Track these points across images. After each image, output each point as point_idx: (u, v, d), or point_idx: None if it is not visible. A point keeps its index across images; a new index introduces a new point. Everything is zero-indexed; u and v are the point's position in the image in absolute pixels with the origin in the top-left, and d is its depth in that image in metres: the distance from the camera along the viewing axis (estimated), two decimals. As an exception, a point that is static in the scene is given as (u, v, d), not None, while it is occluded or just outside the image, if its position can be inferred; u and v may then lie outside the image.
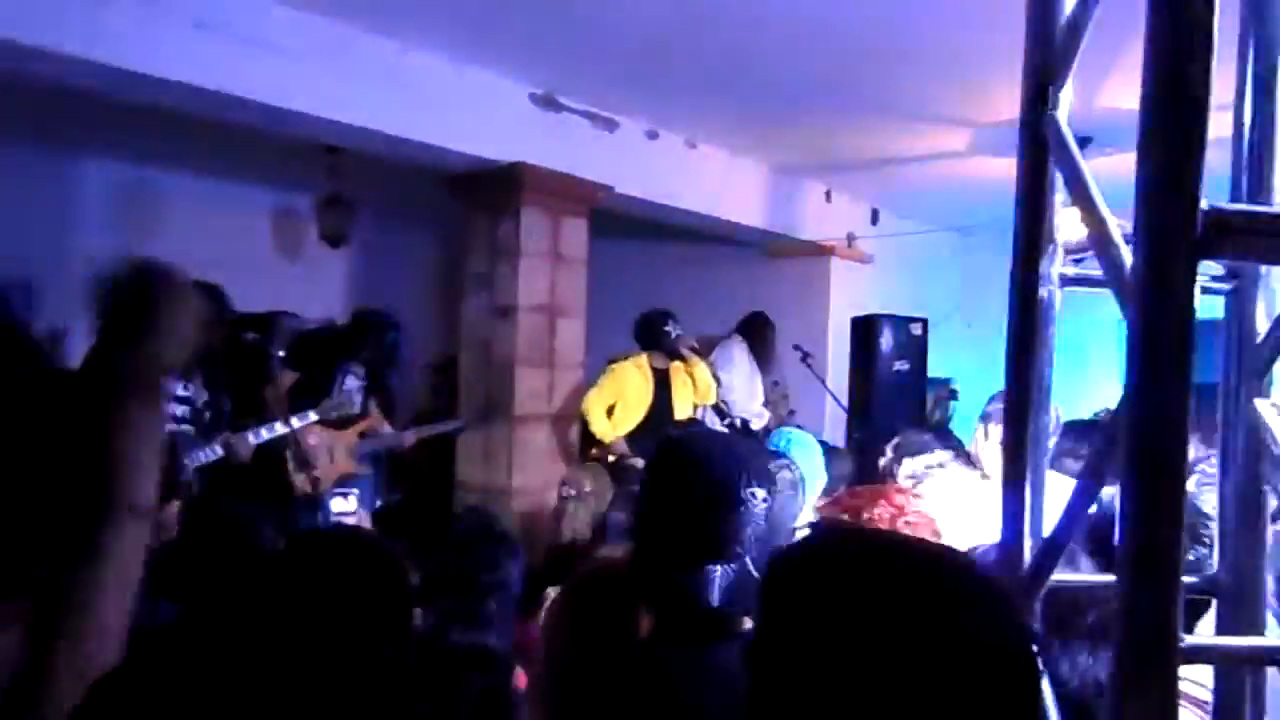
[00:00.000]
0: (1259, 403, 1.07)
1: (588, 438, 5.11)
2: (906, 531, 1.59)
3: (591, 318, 5.31)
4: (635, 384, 5.06)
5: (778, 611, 0.84)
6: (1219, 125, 0.98)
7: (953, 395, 7.08)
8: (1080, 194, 0.98)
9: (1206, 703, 1.14)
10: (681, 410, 5.13)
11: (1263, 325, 1.10)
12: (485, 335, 4.98)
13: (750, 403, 5.59)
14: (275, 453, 3.92)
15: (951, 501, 2.00)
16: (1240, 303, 1.10)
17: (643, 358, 5.22)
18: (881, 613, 0.78)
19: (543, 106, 4.90)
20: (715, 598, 1.28)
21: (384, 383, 4.74)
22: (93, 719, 0.69)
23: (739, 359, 5.67)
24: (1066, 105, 1.09)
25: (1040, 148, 1.08)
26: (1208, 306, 1.08)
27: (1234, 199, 1.08)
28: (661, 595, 1.34)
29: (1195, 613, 1.24)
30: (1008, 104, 2.11)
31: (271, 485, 3.77)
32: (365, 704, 0.72)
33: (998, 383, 1.46)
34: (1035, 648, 0.84)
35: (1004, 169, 1.30)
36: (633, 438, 4.86)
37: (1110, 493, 0.95)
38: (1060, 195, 1.10)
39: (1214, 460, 1.21)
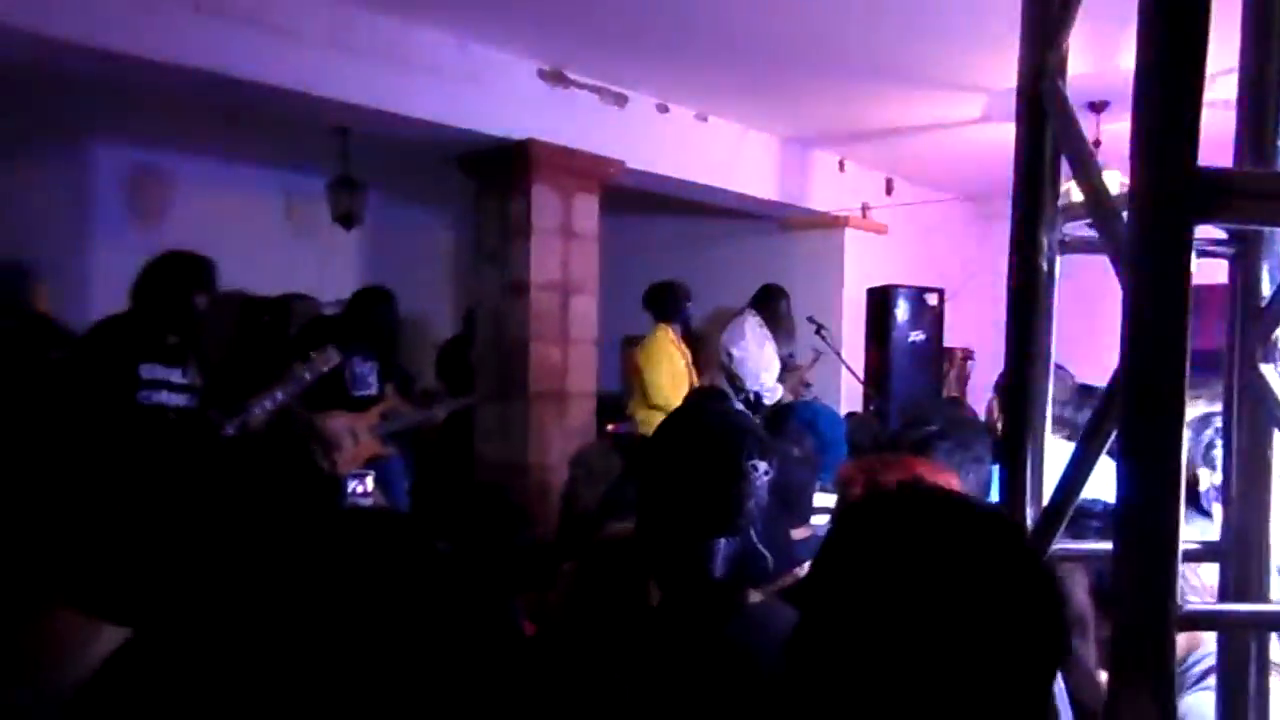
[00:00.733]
0: (1264, 368, 1.06)
1: (607, 411, 5.16)
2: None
3: (604, 294, 5.31)
4: (676, 357, 5.12)
5: (832, 557, 0.87)
6: (1223, 88, 0.97)
7: (969, 357, 7.05)
8: (1077, 160, 0.98)
9: None
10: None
11: (1268, 289, 1.09)
12: (499, 313, 4.99)
13: (763, 376, 5.58)
14: (298, 439, 3.95)
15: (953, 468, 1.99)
16: (1244, 267, 1.09)
17: (668, 331, 5.24)
18: (922, 554, 0.82)
19: (551, 82, 4.88)
20: (719, 570, 1.28)
21: (393, 362, 4.74)
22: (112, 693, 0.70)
23: (750, 333, 5.65)
24: (1065, 72, 1.07)
25: (1039, 115, 1.07)
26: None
27: (1236, 161, 1.07)
28: (666, 568, 1.35)
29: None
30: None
31: (295, 470, 3.79)
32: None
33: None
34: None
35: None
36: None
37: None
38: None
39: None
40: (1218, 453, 1.64)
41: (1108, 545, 0.90)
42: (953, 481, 1.66)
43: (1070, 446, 1.45)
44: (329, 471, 4.01)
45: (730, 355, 5.58)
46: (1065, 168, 1.09)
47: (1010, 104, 1.17)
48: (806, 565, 2.01)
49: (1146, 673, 0.84)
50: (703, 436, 1.33)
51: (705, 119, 5.71)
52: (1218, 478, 1.66)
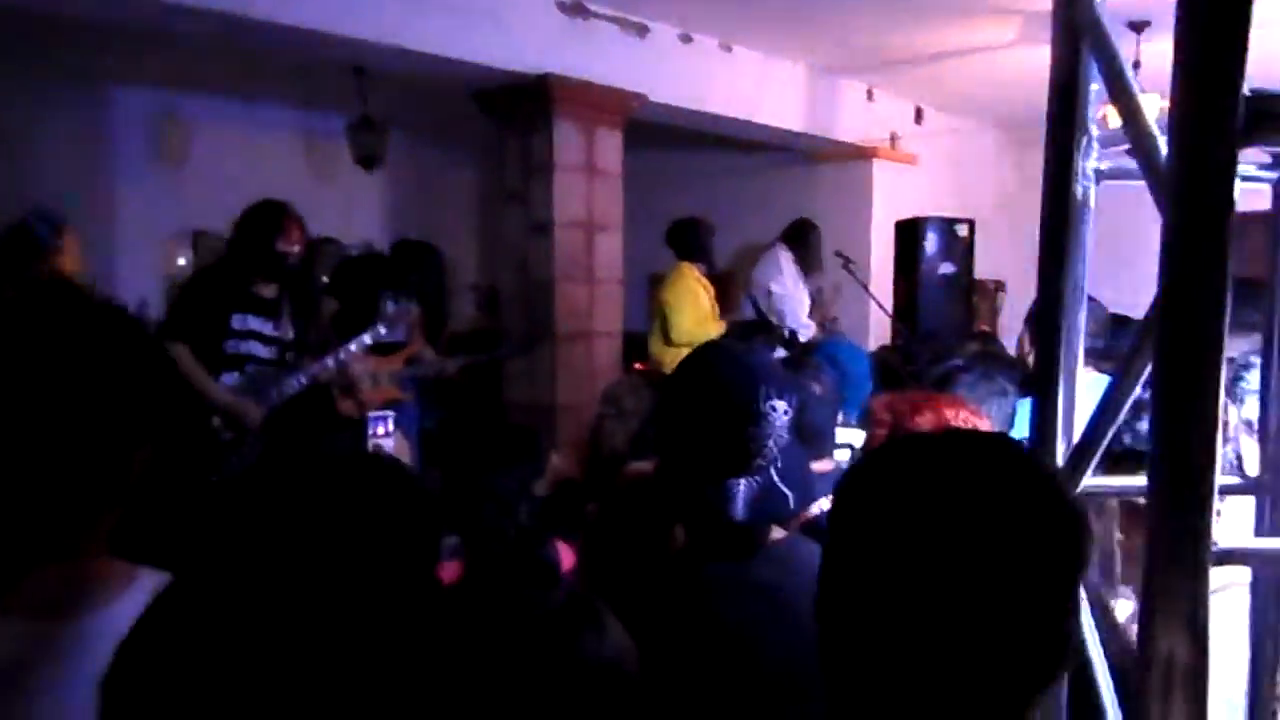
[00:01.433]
0: (1306, 298, 1.03)
1: (634, 350, 5.14)
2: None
3: (629, 231, 5.27)
4: (701, 295, 5.09)
5: (850, 498, 0.87)
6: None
7: (1000, 289, 6.96)
8: (1116, 84, 0.94)
9: None
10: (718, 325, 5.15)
11: (1313, 216, 1.05)
12: (523, 253, 4.96)
13: (800, 312, 5.53)
14: (320, 381, 3.99)
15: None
16: (1289, 193, 1.05)
17: (692, 269, 5.19)
18: (937, 492, 0.80)
19: (570, 14, 4.77)
20: (740, 511, 1.28)
21: (426, 308, 4.73)
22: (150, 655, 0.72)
23: (787, 267, 5.57)
24: (1103, -12, 1.02)
25: (1074, 36, 1.02)
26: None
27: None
28: (687, 509, 1.34)
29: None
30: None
31: (318, 412, 3.83)
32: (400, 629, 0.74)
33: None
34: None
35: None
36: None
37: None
38: (1097, 85, 1.05)
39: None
40: (1246, 385, 1.60)
41: (1141, 481, 0.89)
42: (977, 417, 1.63)
43: (1102, 379, 1.43)
44: (345, 413, 4.04)
45: (770, 292, 5.51)
46: (1102, 92, 1.05)
47: (1046, 26, 1.12)
48: (828, 499, 2.01)
49: (1180, 608, 0.83)
50: (718, 378, 1.32)
51: (729, 49, 5.58)
52: (1248, 412, 1.63)
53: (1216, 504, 1.29)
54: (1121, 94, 0.91)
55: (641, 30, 5.09)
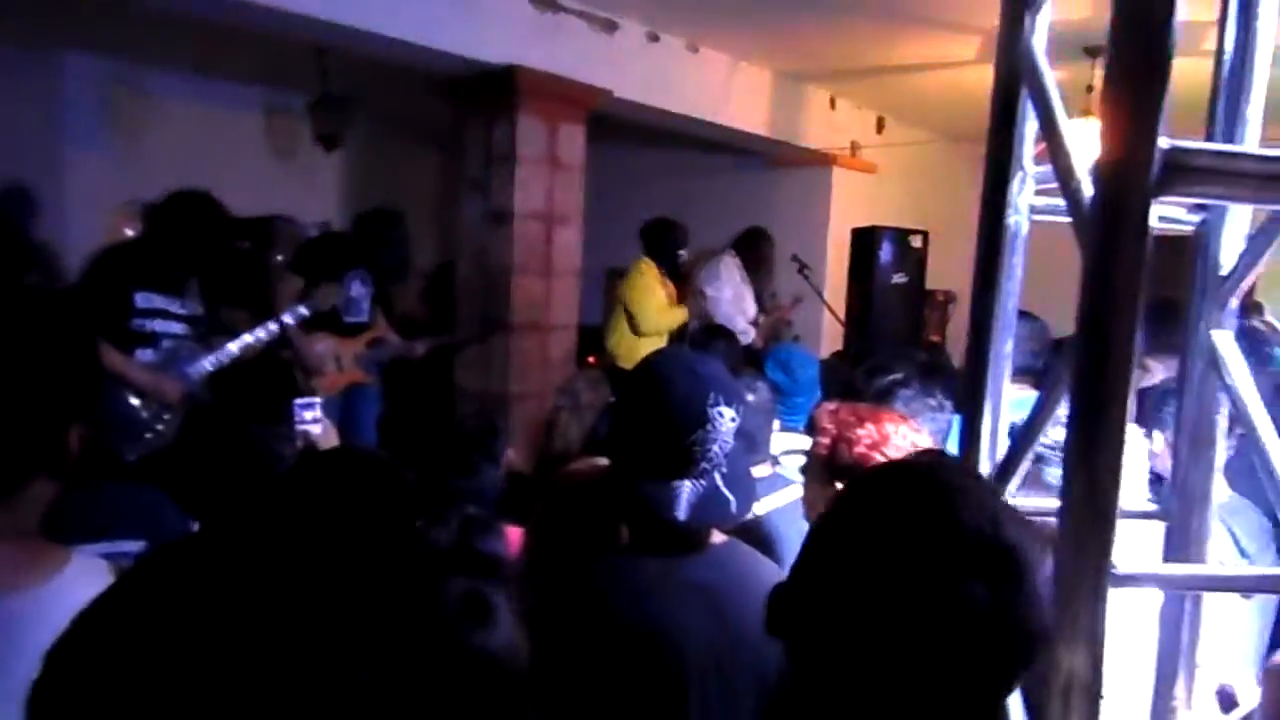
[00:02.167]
0: (1216, 334, 1.09)
1: (588, 345, 5.17)
2: (882, 459, 1.62)
3: (587, 225, 5.28)
4: (659, 290, 5.14)
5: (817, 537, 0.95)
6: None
7: (950, 300, 7.09)
8: (1047, 123, 0.98)
9: None
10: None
11: (1228, 258, 1.11)
12: (481, 242, 4.96)
13: (737, 318, 5.60)
14: (281, 362, 3.94)
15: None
16: (1207, 235, 1.11)
17: (652, 265, 5.23)
18: (893, 511, 0.89)
19: (540, 7, 4.78)
20: (683, 513, 1.32)
21: (387, 289, 4.69)
22: (97, 633, 0.70)
23: (726, 275, 5.65)
24: (1044, 30, 1.07)
25: (1014, 73, 1.07)
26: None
27: (1209, 134, 1.08)
28: (632, 508, 1.38)
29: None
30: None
31: (280, 393, 3.80)
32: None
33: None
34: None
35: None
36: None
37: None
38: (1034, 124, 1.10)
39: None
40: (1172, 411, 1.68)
41: (1055, 503, 0.94)
42: (916, 432, 1.69)
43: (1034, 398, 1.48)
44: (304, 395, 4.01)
45: (704, 294, 5.59)
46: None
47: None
48: (764, 500, 2.06)
49: (1081, 628, 0.88)
50: (669, 383, 1.36)
51: (696, 49, 5.62)
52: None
53: (1139, 527, 1.35)
54: (1052, 135, 0.96)
55: (610, 26, 5.11)
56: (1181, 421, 1.16)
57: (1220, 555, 1.75)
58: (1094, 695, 0.87)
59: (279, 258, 5.31)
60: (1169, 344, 1.49)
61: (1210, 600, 1.11)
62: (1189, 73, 0.99)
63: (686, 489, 1.32)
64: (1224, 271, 1.11)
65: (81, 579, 0.91)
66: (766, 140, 6.29)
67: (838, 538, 0.92)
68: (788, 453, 2.39)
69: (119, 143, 5.86)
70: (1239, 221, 1.10)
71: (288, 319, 3.66)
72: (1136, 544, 1.09)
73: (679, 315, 5.21)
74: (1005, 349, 1.14)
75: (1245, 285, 1.10)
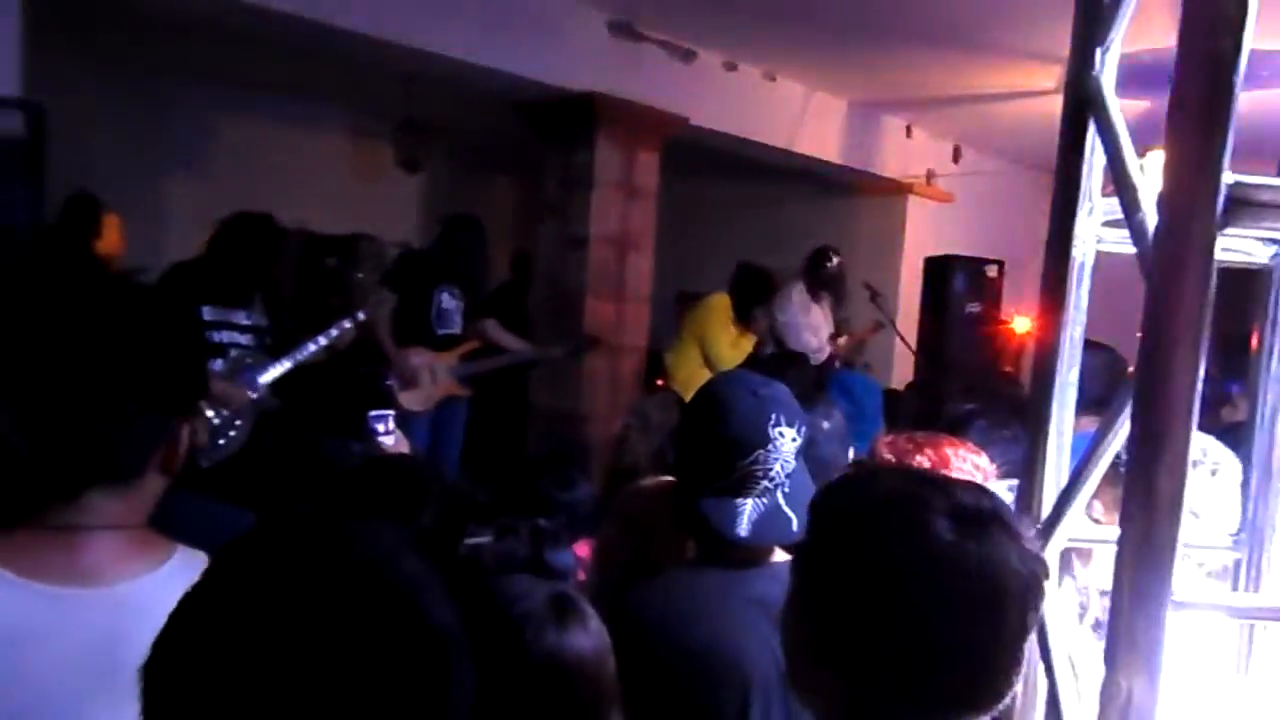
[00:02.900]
0: (1289, 368, 1.08)
1: (655, 369, 5.20)
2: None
3: (661, 252, 5.35)
4: (731, 326, 5.11)
5: (816, 534, 1.00)
6: None
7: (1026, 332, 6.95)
8: (1114, 158, 1.00)
9: None
10: None
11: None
12: (556, 265, 5.05)
13: (808, 339, 5.57)
14: (365, 374, 4.06)
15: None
16: (1278, 269, 1.11)
17: (728, 305, 5.15)
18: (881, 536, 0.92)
19: (620, 35, 4.88)
20: (744, 530, 1.35)
21: (479, 298, 4.64)
22: (196, 621, 0.76)
23: (799, 299, 5.63)
24: (1113, 65, 1.09)
25: (1082, 108, 1.09)
26: None
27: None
28: (696, 525, 1.41)
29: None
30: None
31: (358, 404, 3.90)
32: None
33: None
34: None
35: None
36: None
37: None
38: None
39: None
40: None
41: (1114, 530, 0.95)
42: (978, 455, 1.69)
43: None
44: (407, 406, 4.11)
45: (776, 319, 5.58)
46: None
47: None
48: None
49: (1140, 652, 0.89)
50: (732, 404, 1.39)
51: (773, 78, 5.66)
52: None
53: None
54: (1119, 168, 0.97)
55: (689, 55, 5.18)
56: (1252, 453, 1.15)
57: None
58: (1148, 718, 0.88)
59: (359, 275, 5.48)
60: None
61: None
62: (1262, 101, 0.99)
63: (748, 507, 1.35)
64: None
65: (184, 571, 0.97)
66: (841, 168, 6.29)
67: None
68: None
69: (214, 164, 6.12)
70: (1312, 255, 1.10)
71: (334, 330, 3.77)
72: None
73: (747, 347, 5.19)
74: (1070, 379, 1.15)
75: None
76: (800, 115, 5.87)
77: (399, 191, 6.71)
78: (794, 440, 1.37)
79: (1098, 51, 1.08)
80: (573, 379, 5.00)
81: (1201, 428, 0.96)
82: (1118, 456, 1.01)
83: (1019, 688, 0.98)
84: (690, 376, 5.10)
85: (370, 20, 3.97)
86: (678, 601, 1.39)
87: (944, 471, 1.70)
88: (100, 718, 0.95)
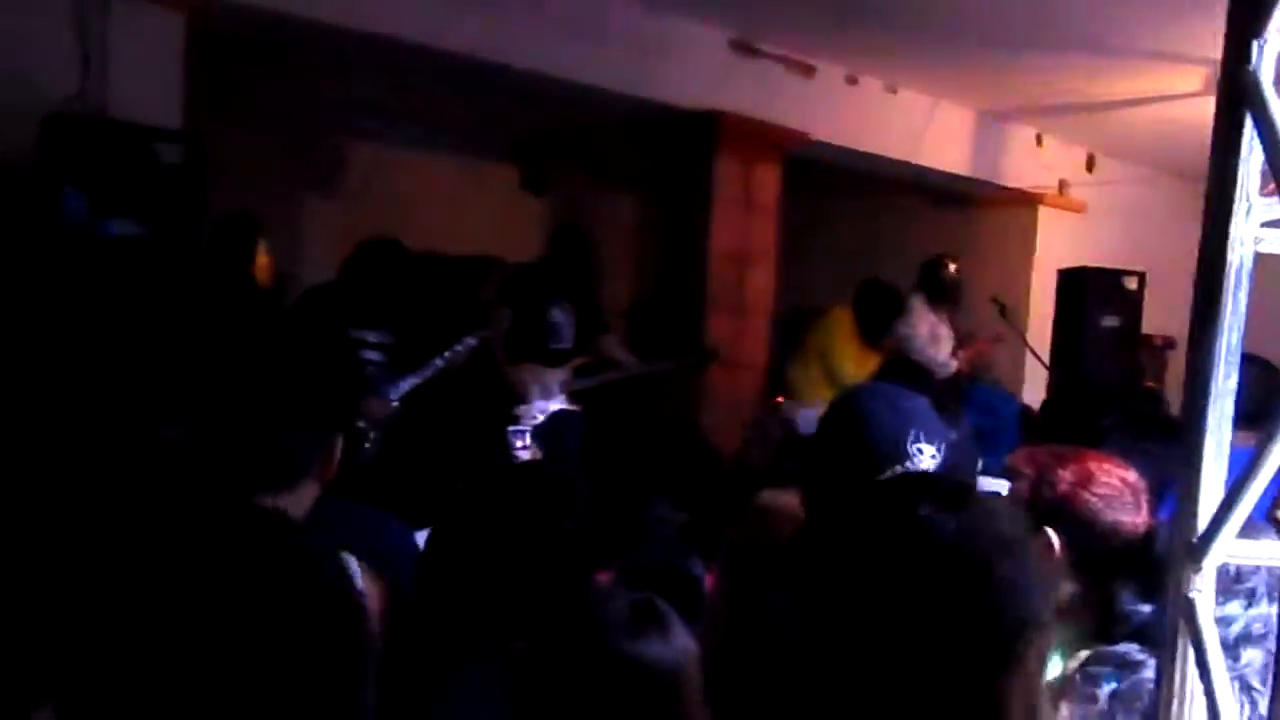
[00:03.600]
0: None
1: (775, 384, 5.16)
2: (1088, 498, 1.55)
3: (782, 268, 5.31)
4: (856, 340, 5.05)
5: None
6: None
7: (1169, 345, 6.60)
8: (1274, 154, 0.95)
9: None
10: None
11: None
12: (676, 281, 5.08)
13: (931, 351, 5.41)
14: (503, 387, 4.19)
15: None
16: None
17: (851, 320, 5.09)
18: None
19: (740, 53, 4.89)
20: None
21: (594, 310, 4.69)
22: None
23: (916, 309, 5.48)
24: (1271, 59, 1.03)
25: (1237, 103, 1.03)
26: None
27: None
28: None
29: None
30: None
31: (498, 419, 4.02)
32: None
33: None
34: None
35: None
36: None
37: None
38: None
39: None
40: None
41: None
42: (1124, 469, 1.61)
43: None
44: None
45: (897, 332, 5.46)
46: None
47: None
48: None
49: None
50: (868, 419, 1.36)
51: (895, 91, 5.57)
52: None
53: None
54: (1278, 164, 0.92)
55: (808, 71, 5.15)
56: None
57: None
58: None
59: (482, 295, 5.61)
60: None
61: None
62: None
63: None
64: None
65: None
66: (969, 180, 6.13)
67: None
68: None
69: (350, 187, 6.40)
70: None
71: (459, 347, 3.93)
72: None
73: (872, 364, 5.09)
74: (1228, 387, 1.09)
75: None
76: (924, 127, 5.75)
77: (524, 212, 6.87)
78: (932, 458, 1.33)
79: (1254, 44, 1.03)
80: (692, 393, 5.01)
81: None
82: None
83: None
84: (813, 394, 5.03)
85: (497, 47, 4.10)
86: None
87: (1088, 487, 1.63)
88: None
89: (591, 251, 4.69)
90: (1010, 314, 5.66)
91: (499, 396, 3.95)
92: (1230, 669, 1.17)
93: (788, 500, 1.78)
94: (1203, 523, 1.10)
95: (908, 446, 1.32)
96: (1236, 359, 1.10)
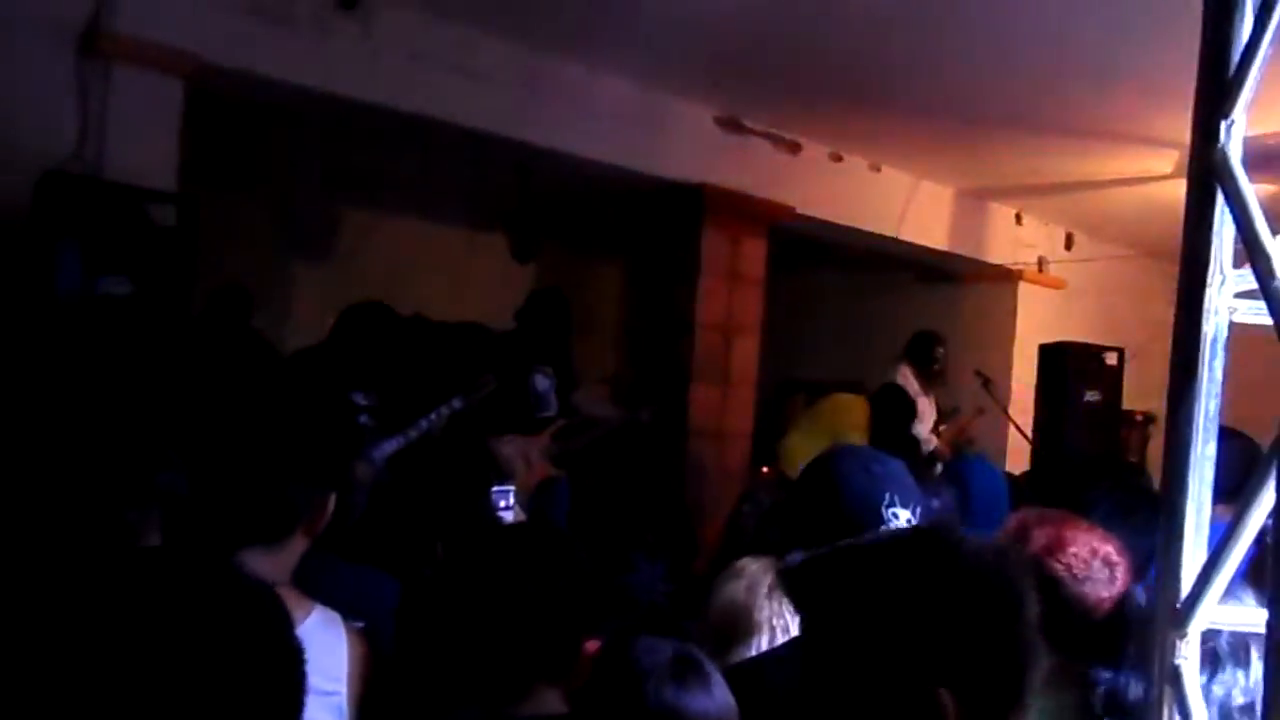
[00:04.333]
0: None
1: (761, 454, 5.15)
2: (1054, 564, 1.55)
3: (767, 339, 5.36)
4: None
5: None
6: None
7: (1149, 421, 6.65)
8: (1247, 230, 0.98)
9: None
10: None
11: None
12: (662, 351, 5.12)
13: (915, 425, 5.44)
14: (485, 451, 4.16)
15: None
16: None
17: (865, 410, 5.09)
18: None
19: (727, 129, 5.00)
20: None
21: (570, 371, 4.72)
22: None
23: (904, 385, 5.52)
24: (1239, 137, 1.08)
25: (1208, 179, 1.07)
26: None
27: None
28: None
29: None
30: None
31: (481, 480, 3.98)
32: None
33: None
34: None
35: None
36: None
37: None
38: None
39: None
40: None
41: (1262, 613, 0.90)
42: (1103, 541, 1.62)
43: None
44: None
45: None
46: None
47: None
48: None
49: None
50: (844, 482, 1.38)
51: (878, 169, 5.70)
52: None
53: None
54: (1250, 235, 0.96)
55: (794, 147, 5.28)
56: None
57: None
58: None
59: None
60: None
61: None
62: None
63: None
64: None
65: (322, 627, 1.01)
66: (950, 256, 6.24)
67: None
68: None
69: (339, 253, 6.43)
70: None
71: (444, 410, 3.91)
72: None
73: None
74: (1207, 454, 1.11)
75: None
76: (906, 204, 5.87)
77: (512, 279, 6.90)
78: (908, 523, 1.34)
79: (1222, 124, 1.07)
80: (676, 463, 5.00)
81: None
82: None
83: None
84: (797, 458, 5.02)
85: (490, 118, 4.18)
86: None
87: (1056, 554, 1.62)
88: None
89: (565, 311, 4.72)
90: (993, 387, 5.71)
91: (482, 460, 3.91)
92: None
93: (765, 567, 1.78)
94: (1185, 588, 1.11)
95: (883, 511, 1.33)
96: (1215, 427, 1.13)
